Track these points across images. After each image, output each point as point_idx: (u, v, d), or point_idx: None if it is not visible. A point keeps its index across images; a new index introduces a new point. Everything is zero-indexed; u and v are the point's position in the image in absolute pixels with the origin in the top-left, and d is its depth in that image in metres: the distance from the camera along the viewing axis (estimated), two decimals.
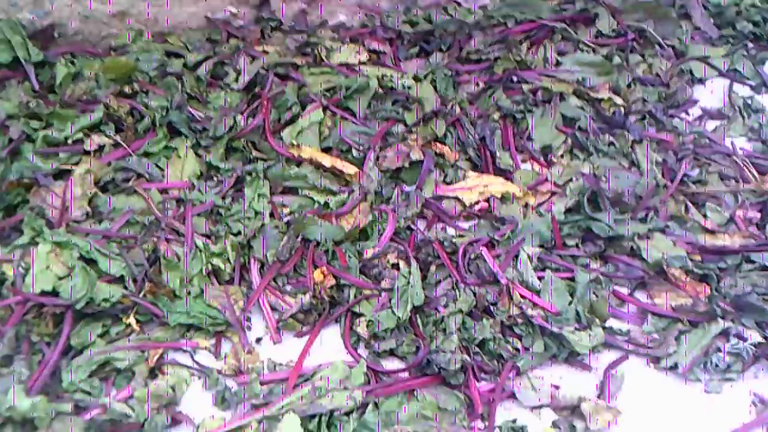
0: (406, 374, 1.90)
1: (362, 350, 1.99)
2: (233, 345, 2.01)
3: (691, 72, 2.90)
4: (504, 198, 2.39)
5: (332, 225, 2.26)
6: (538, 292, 2.02)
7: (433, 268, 2.15)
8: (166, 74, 2.87)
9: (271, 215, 2.32)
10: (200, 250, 2.17)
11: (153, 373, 1.92)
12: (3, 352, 1.85)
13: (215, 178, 2.49)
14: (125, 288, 2.05)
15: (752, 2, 3.16)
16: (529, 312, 1.96)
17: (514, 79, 2.84)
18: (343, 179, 2.48)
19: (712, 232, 2.19)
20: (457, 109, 2.70)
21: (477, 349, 1.92)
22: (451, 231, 2.32)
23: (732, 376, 1.85)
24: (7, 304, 1.97)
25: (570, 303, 1.98)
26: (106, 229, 2.22)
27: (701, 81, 2.89)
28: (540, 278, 2.05)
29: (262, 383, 1.88)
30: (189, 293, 2.08)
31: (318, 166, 2.48)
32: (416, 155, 2.50)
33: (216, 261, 2.15)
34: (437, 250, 2.17)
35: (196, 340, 2.01)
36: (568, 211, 2.29)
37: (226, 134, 2.58)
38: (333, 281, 2.10)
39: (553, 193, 2.41)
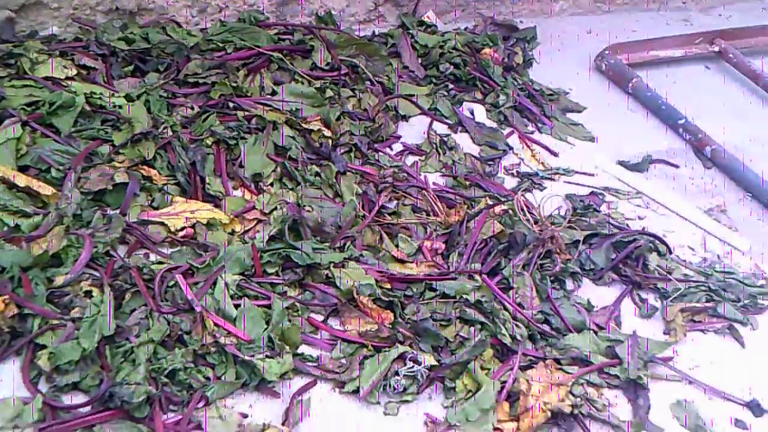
0: (87, 409, 1.78)
1: (43, 385, 1.84)
2: None
3: (396, 108, 3.04)
4: (210, 224, 2.35)
5: (20, 250, 2.08)
6: (233, 320, 2.00)
7: (128, 296, 2.05)
8: None
9: None
10: None
11: None
12: None
13: None
14: None
15: (454, 45, 3.39)
16: (223, 340, 1.93)
17: (230, 105, 2.81)
18: (40, 200, 2.31)
19: (401, 261, 2.29)
20: (169, 132, 2.62)
21: (166, 380, 1.85)
22: (153, 257, 2.23)
23: (408, 398, 1.93)
24: None
25: (264, 330, 1.98)
26: None
27: (405, 118, 3.04)
28: (237, 306, 2.03)
29: None
30: None
31: (11, 186, 2.29)
32: (121, 177, 2.39)
33: None
34: (134, 277, 2.08)
35: None
36: (271, 239, 2.29)
37: None
38: (15, 310, 1.93)
39: (259, 221, 2.40)
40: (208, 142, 2.66)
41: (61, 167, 2.39)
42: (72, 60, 2.84)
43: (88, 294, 2.04)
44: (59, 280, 2.06)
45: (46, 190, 2.31)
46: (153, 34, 3.06)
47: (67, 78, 2.75)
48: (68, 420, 1.73)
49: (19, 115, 2.49)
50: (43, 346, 1.89)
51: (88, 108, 2.61)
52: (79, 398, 1.82)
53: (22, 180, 2.30)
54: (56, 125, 2.55)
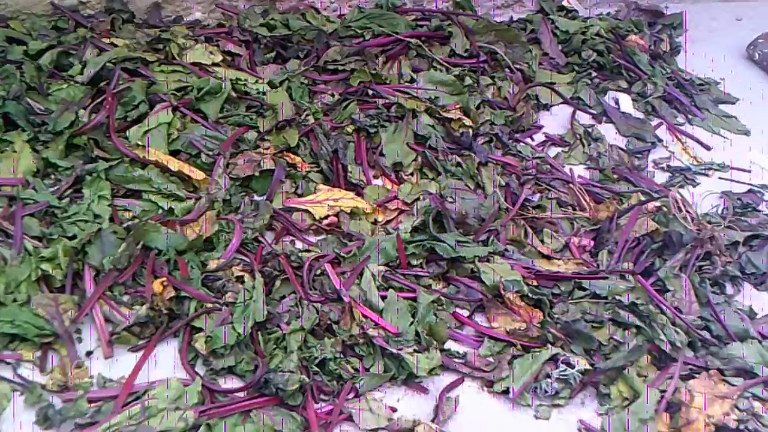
0: (243, 394, 1.83)
1: (200, 367, 1.91)
2: (61, 358, 1.88)
3: (537, 97, 2.99)
4: (353, 213, 2.37)
5: (175, 233, 2.16)
6: (380, 312, 2.01)
7: (278, 283, 2.10)
8: (5, 62, 2.66)
9: (111, 219, 2.19)
10: (30, 254, 2.02)
11: None
12: None
13: (53, 177, 2.34)
14: None
15: (597, 32, 3.29)
16: (371, 332, 1.95)
17: (369, 92, 2.82)
18: (191, 185, 2.39)
19: (548, 257, 2.25)
20: (312, 119, 2.66)
21: (317, 369, 1.88)
22: (299, 245, 2.28)
23: (560, 402, 1.90)
24: None
25: (411, 324, 1.98)
26: None
27: (547, 107, 2.98)
28: (383, 297, 2.04)
29: (89, 401, 1.76)
30: (15, 300, 1.93)
31: (164, 170, 2.38)
32: (268, 164, 2.44)
33: (46, 266, 2.00)
34: (284, 265, 2.12)
35: (20, 351, 1.86)
36: (414, 230, 2.29)
37: (67, 130, 2.42)
38: (173, 293, 2.01)
39: (401, 211, 2.41)
40: (349, 129, 2.68)
41: (210, 152, 2.46)
42: (217, 46, 2.91)
43: (240, 279, 2.10)
44: (212, 265, 2.12)
45: (198, 174, 2.38)
46: (293, 20, 3.11)
47: (213, 64, 2.83)
48: (226, 404, 1.79)
49: (170, 100, 2.58)
50: (199, 329, 1.95)
51: (233, 94, 2.68)
52: (233, 382, 1.88)
53: (174, 164, 2.38)
54: (204, 111, 2.62)
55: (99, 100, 2.55)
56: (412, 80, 2.93)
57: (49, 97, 2.56)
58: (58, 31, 2.89)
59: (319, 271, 2.12)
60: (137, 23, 3.04)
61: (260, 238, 2.26)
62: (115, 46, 2.80)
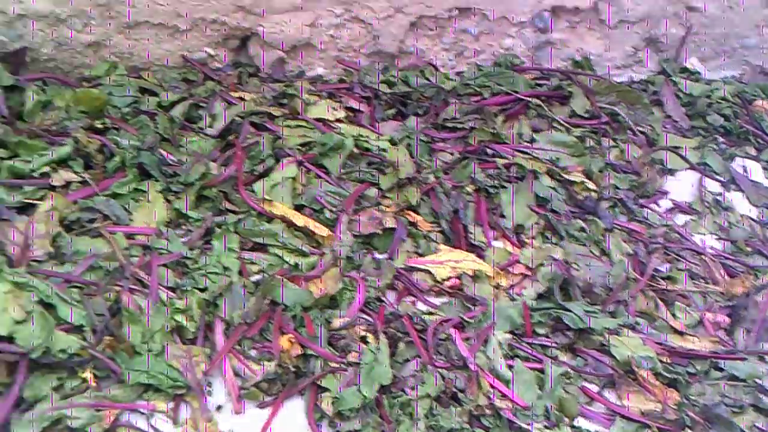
0: None
1: (326, 428, 1.92)
2: (192, 411, 1.93)
3: (662, 162, 2.94)
4: (476, 276, 2.37)
5: (301, 289, 2.20)
6: (507, 383, 1.99)
7: (401, 345, 2.11)
8: (139, 112, 2.79)
9: (240, 273, 2.25)
10: (164, 304, 2.09)
11: None
12: None
13: (183, 227, 2.42)
14: (84, 339, 1.96)
15: (722, 95, 3.23)
16: (498, 403, 1.93)
17: (489, 152, 2.83)
18: (315, 240, 2.43)
19: (681, 333, 2.20)
20: (432, 178, 2.68)
21: None
22: (421, 306, 2.28)
23: None
24: None
25: (539, 397, 1.96)
26: (68, 273, 2.13)
27: (672, 172, 2.93)
28: (510, 367, 2.03)
29: None
30: (149, 350, 2.00)
31: (290, 225, 2.43)
32: (390, 222, 2.47)
33: (180, 317, 2.07)
34: (407, 327, 2.13)
35: (155, 402, 1.92)
36: (539, 297, 2.27)
37: (198, 181, 2.51)
38: (300, 350, 2.04)
39: (524, 276, 2.39)
40: (469, 189, 2.69)
41: (333, 208, 2.51)
42: (340, 102, 2.99)
43: (363, 339, 2.12)
44: (336, 323, 2.15)
45: (322, 230, 2.42)
46: (412, 77, 3.16)
47: (336, 120, 2.89)
48: None
49: (295, 154, 2.64)
50: (325, 389, 1.97)
51: (355, 150, 2.73)
52: None
53: (300, 219, 2.44)
54: (326, 166, 2.68)
55: (228, 153, 2.64)
56: (532, 140, 2.93)
57: (181, 149, 2.67)
58: (187, 84, 3.01)
59: (443, 336, 2.12)
60: (262, 77, 3.14)
61: (382, 298, 2.28)
62: (243, 99, 2.90)
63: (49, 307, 1.99)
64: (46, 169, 2.44)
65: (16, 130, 2.60)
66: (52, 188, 2.41)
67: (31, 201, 2.36)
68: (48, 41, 2.89)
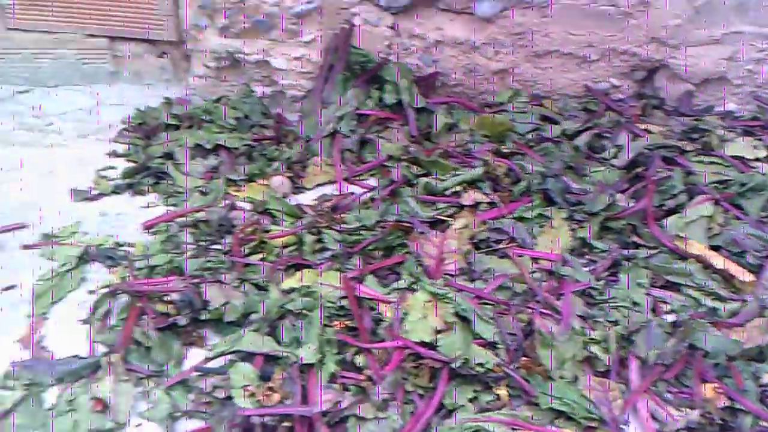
0: None
1: None
2: None
3: None
4: None
5: (725, 337, 2.05)
6: None
7: None
8: (543, 139, 2.84)
9: (653, 310, 2.17)
10: (576, 333, 2.06)
11: None
12: (382, 396, 1.86)
13: (587, 256, 2.40)
14: (496, 356, 2.00)
15: None
16: None
17: None
18: (732, 285, 2.27)
19: None
20: None
21: None
22: None
23: None
24: (384, 348, 1.99)
25: None
26: (479, 289, 2.19)
27: None
28: None
29: None
30: (561, 377, 1.98)
31: (706, 266, 2.30)
32: None
33: (594, 348, 2.03)
34: None
35: (566, 430, 1.89)
36: None
37: (603, 212, 2.49)
38: (726, 401, 1.90)
39: None
40: None
41: (756, 253, 2.33)
42: (760, 140, 2.79)
43: None
44: (766, 378, 1.97)
45: (745, 275, 2.26)
46: None
47: (756, 159, 2.71)
48: None
49: (711, 192, 2.51)
50: None
51: None
52: None
53: (719, 261, 2.30)
54: (744, 207, 2.51)
55: (637, 186, 2.58)
56: None
57: (585, 178, 2.66)
58: (587, 113, 3.02)
59: None
60: (667, 110, 3.05)
61: None
62: (649, 132, 2.83)
63: (464, 320, 2.06)
64: (458, 188, 2.57)
65: (425, 149, 2.78)
66: (461, 207, 2.53)
67: (442, 217, 2.49)
68: (459, 67, 3.06)
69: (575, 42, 2.96)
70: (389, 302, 2.11)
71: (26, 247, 2.43)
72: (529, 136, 2.88)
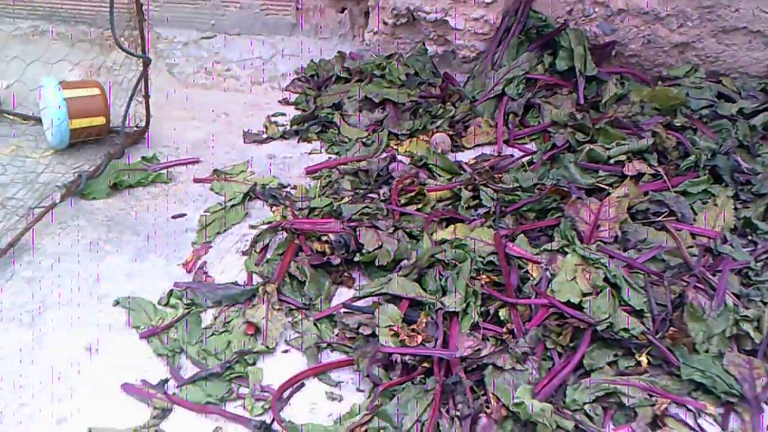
0: None
1: None
2: (742, 423, 1.87)
3: None
4: None
5: None
6: None
7: None
8: (717, 116, 2.80)
9: None
10: (729, 310, 2.06)
11: (654, 422, 1.87)
12: (523, 348, 1.94)
13: (749, 237, 2.37)
14: (643, 324, 2.03)
15: None
16: None
17: None
18: None
19: None
20: None
21: None
22: None
23: None
24: (530, 304, 2.07)
25: None
26: (632, 258, 2.22)
27: None
28: None
29: None
30: (707, 351, 1.99)
31: None
32: None
33: (745, 326, 2.02)
34: None
35: (703, 402, 1.91)
36: None
37: None
38: None
39: None
40: None
41: None
42: None
43: None
44: None
45: None
46: None
47: None
48: None
49: None
50: None
51: None
52: None
53: None
54: None
55: None
56: None
57: (757, 158, 2.61)
58: (766, 95, 2.94)
59: None
60: None
61: None
62: None
63: (613, 286, 2.10)
64: (622, 158, 2.59)
65: (591, 118, 2.81)
66: (622, 176, 2.55)
67: (601, 185, 2.52)
68: (638, 37, 3.05)
69: (766, 20, 2.89)
70: (538, 262, 2.19)
71: (197, 180, 2.67)
72: (703, 111, 2.85)
